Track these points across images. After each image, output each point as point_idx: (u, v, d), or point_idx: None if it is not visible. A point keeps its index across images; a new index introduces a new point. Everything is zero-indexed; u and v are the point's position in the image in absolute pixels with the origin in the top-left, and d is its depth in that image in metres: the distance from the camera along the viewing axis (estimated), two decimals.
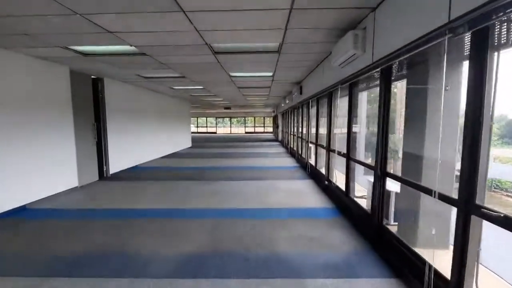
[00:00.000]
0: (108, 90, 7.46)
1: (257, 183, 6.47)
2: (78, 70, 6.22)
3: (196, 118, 34.38)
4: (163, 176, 7.46)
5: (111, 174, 7.59)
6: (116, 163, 7.90)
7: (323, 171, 6.54)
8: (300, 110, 9.69)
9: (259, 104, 19.20)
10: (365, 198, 4.39)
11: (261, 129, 34.15)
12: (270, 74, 7.15)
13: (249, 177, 7.17)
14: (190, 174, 7.76)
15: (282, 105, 14.69)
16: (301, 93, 8.42)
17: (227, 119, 35.03)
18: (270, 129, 33.59)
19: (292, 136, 12.67)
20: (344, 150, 4.73)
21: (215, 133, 33.89)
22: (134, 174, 7.83)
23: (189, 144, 15.79)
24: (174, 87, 9.61)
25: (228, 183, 6.55)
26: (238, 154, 12.49)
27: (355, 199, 4.27)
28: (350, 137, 4.35)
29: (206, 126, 34.64)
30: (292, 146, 12.52)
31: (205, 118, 34.32)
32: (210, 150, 14.42)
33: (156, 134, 10.83)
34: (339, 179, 5.31)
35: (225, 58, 5.25)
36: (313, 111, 7.98)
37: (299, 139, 10.07)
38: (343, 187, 4.72)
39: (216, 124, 34.78)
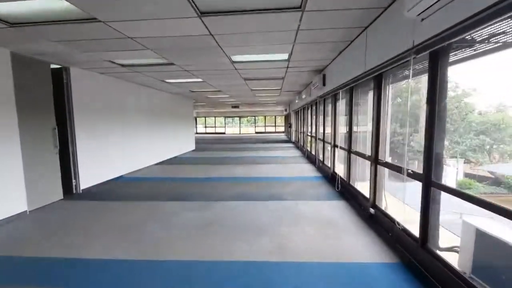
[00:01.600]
0: (77, 83, 5.82)
1: (270, 206, 4.68)
2: (26, 54, 4.60)
3: (204, 118, 32.89)
4: (146, 193, 5.77)
5: (83, 190, 5.96)
6: (91, 175, 6.27)
7: (360, 188, 4.70)
8: (322, 105, 7.82)
9: (269, 102, 17.38)
10: (455, 251, 2.54)
11: (272, 129, 32.28)
12: (285, 56, 5.35)
13: (260, 195, 5.39)
14: (182, 188, 6.04)
15: (296, 101, 12.85)
16: (324, 83, 6.57)
17: (237, 118, 33.36)
18: (281, 129, 31.69)
19: (309, 137, 10.80)
20: (404, 163, 2.92)
21: (223, 133, 32.27)
22: (112, 189, 6.17)
23: (192, 147, 14.15)
24: (167, 81, 7.93)
25: (231, 205, 4.79)
26: (246, 159, 10.73)
27: (444, 256, 2.42)
28: (432, 145, 2.50)
29: (215, 126, 33.06)
30: (309, 149, 10.66)
31: (213, 118, 32.77)
32: (215, 153, 12.72)
33: (149, 137, 9.20)
34: (394, 206, 3.47)
35: (218, 24, 3.47)
36: (341, 106, 6.12)
37: (320, 142, 8.21)
38: (411, 225, 2.88)
39: (225, 124, 33.13)
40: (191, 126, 14.16)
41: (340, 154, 6.45)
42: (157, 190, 6.05)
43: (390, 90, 3.69)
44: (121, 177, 7.34)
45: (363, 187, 5.01)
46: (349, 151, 5.04)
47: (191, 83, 8.58)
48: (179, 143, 12.30)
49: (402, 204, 3.12)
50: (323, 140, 7.66)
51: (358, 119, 4.95)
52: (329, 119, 7.54)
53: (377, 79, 3.69)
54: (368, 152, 4.14)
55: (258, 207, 4.64)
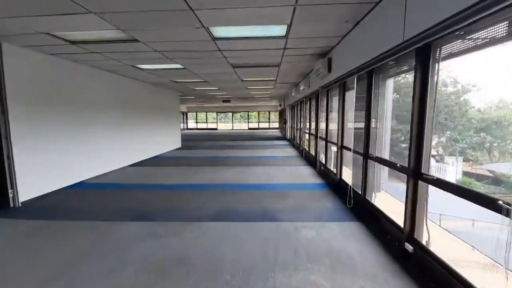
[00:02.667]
0: (12, 65, 4.47)
1: (262, 231, 3.45)
2: None
3: (195, 113, 31.43)
4: (103, 208, 4.47)
5: (22, 203, 4.64)
6: (36, 184, 4.94)
7: (380, 204, 3.50)
8: (325, 97, 6.58)
9: (263, 96, 16.10)
10: None
11: (266, 125, 31.01)
12: (282, 31, 4.08)
13: (249, 212, 4.16)
14: (151, 200, 4.77)
15: (293, 94, 11.60)
16: (329, 69, 5.33)
17: (230, 114, 31.96)
18: (276, 125, 30.46)
19: (307, 135, 9.59)
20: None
21: (215, 129, 30.88)
22: (61, 201, 4.85)
23: (178, 145, 12.81)
24: (139, 66, 6.59)
25: (210, 230, 3.54)
26: (236, 159, 9.47)
27: None
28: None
29: (206, 122, 31.64)
30: (307, 148, 9.45)
31: (205, 113, 31.33)
32: (202, 152, 11.42)
33: (122, 133, 7.86)
34: (441, 239, 2.29)
35: None
36: (350, 97, 4.91)
37: (321, 141, 7.00)
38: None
39: (217, 119, 31.71)
40: (176, 122, 12.81)
41: (347, 156, 5.26)
42: (119, 202, 4.76)
43: (439, 69, 2.47)
44: (81, 183, 6.01)
45: (383, 203, 3.84)
46: (367, 156, 3.82)
47: (170, 71, 7.25)
48: (162, 140, 10.96)
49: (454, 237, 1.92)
50: (326, 139, 6.44)
51: (378, 113, 3.73)
52: (333, 114, 6.32)
53: (423, 53, 2.46)
54: (393, 158, 2.93)
55: (246, 233, 3.40)
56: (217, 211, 4.20)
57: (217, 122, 31.63)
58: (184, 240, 3.24)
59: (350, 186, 4.19)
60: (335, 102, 6.09)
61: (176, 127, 12.78)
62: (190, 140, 16.88)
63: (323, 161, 6.78)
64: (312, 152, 8.31)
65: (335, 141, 5.48)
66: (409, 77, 3.25)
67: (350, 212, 4.09)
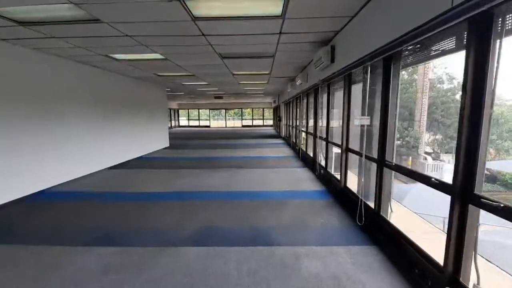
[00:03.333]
0: None
1: (251, 261, 2.70)
2: None
3: (187, 110, 30.47)
4: (53, 228, 3.66)
5: None
6: None
7: (400, 224, 2.77)
8: (326, 92, 5.82)
9: (257, 92, 15.32)
10: None
11: (260, 122, 30.20)
12: (277, 9, 3.31)
13: (236, 232, 3.40)
14: (120, 214, 3.97)
15: (288, 90, 10.83)
16: (332, 59, 4.58)
17: (223, 111, 31.04)
18: (270, 122, 29.70)
19: (305, 133, 8.85)
20: None
21: (208, 126, 29.97)
22: (6, 217, 4.02)
23: (166, 144, 11.96)
24: (113, 56, 5.74)
25: (185, 260, 2.78)
26: (227, 160, 8.69)
27: None
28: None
29: (199, 119, 30.70)
30: (304, 148, 8.71)
31: (197, 110, 30.38)
32: (191, 152, 10.61)
33: (99, 132, 7.00)
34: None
35: None
36: (355, 91, 4.17)
37: (321, 141, 6.26)
38: None
39: (210, 117, 30.78)
40: (164, 119, 11.94)
41: (352, 158, 4.54)
42: (80, 218, 3.95)
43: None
44: (41, 192, 5.16)
45: (401, 217, 3.14)
46: (383, 163, 3.08)
47: (151, 63, 6.42)
48: (147, 139, 10.10)
49: None
50: (327, 140, 5.70)
51: (397, 110, 2.99)
52: (334, 111, 5.59)
53: (481, 24, 1.71)
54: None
55: (231, 264, 2.64)
56: (198, 231, 3.43)
57: (209, 120, 30.71)
58: (151, 276, 2.47)
59: (361, 200, 3.45)
60: (337, 98, 5.34)
61: (163, 124, 11.92)
62: (180, 139, 16.03)
63: (323, 164, 6.04)
64: (310, 152, 7.58)
65: (338, 142, 4.74)
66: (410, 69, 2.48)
67: (361, 231, 3.35)
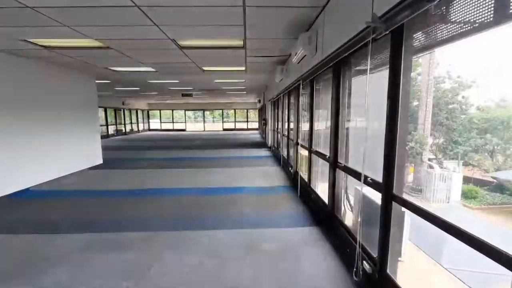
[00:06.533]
0: None
1: None
2: None
3: (158, 111, 26.45)
4: None
5: None
6: None
7: None
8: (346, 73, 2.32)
9: (235, 88, 11.67)
10: None
11: (244, 125, 26.49)
12: None
13: None
14: None
15: (276, 81, 7.24)
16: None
17: (205, 112, 27.11)
18: (255, 125, 26.09)
19: (302, 149, 5.23)
20: None
21: (184, 130, 25.99)
22: None
23: (96, 160, 8.10)
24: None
25: None
26: (175, 195, 5.00)
27: None
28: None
29: (172, 122, 26.67)
30: (303, 173, 5.11)
31: (171, 111, 26.38)
32: (129, 177, 6.85)
33: None
34: None
35: None
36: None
37: (332, 168, 2.69)
38: None
39: (185, 119, 26.72)
40: (92, 124, 8.06)
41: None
42: None
43: None
44: None
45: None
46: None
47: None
48: (55, 156, 6.27)
49: None
50: (343, 167, 2.16)
51: None
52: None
53: None
54: None
55: None
56: None
57: (185, 122, 26.75)
58: None
59: None
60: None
61: (93, 133, 8.04)
62: (132, 149, 12.17)
63: (331, 202, 2.47)
64: (305, 176, 4.06)
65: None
66: None
67: None
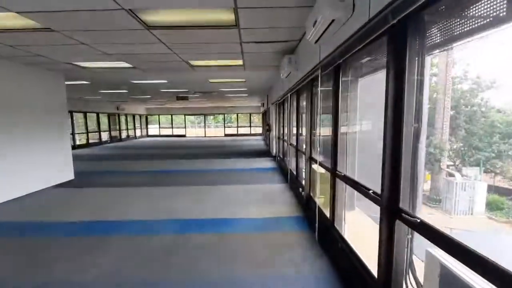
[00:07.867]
0: None
1: None
2: None
3: (157, 116, 25.24)
4: None
5: None
6: None
7: None
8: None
9: (233, 86, 10.27)
10: None
11: (247, 130, 25.02)
12: None
13: None
14: None
15: (282, 77, 5.80)
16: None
17: (208, 117, 25.74)
18: (259, 130, 24.61)
19: (332, 175, 3.73)
20: None
21: (184, 136, 24.63)
22: None
23: (68, 175, 6.72)
24: None
25: None
26: (155, 232, 3.54)
27: None
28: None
29: (172, 127, 25.37)
30: (309, 190, 3.62)
31: (171, 116, 25.09)
32: (103, 196, 5.45)
33: None
34: None
35: None
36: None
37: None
38: None
39: (185, 124, 25.38)
40: (59, 133, 6.67)
41: None
42: None
43: None
44: None
45: None
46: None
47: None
48: (2, 174, 4.90)
49: None
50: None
51: None
52: None
53: None
54: None
55: None
56: None
57: (185, 128, 25.45)
58: None
59: None
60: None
61: (58, 141, 6.66)
62: (117, 159, 10.80)
63: None
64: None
65: None
66: None
67: None
